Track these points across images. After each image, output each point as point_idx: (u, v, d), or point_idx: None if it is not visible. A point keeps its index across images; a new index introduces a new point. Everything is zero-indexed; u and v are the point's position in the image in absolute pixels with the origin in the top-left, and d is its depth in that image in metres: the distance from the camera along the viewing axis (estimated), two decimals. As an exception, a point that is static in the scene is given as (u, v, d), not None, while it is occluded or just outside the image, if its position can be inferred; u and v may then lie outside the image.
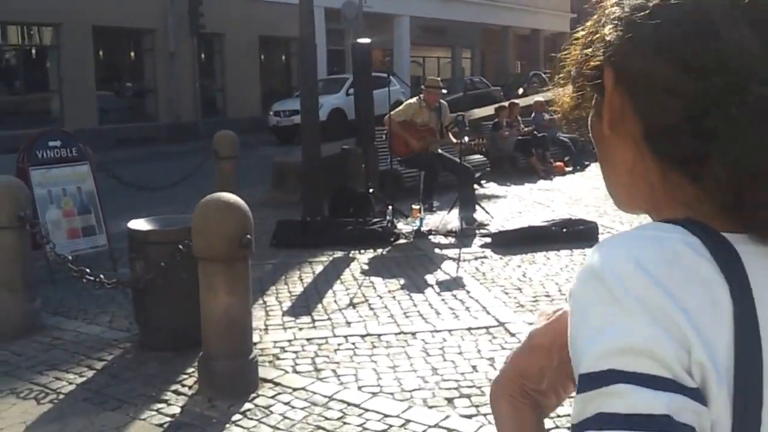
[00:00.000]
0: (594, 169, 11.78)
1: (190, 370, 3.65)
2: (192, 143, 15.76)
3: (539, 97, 13.76)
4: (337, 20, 23.29)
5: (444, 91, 7.28)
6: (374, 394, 3.40)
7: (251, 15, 19.57)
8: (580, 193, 9.40)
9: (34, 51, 18.13)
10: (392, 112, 7.14)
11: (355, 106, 7.33)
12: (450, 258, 5.93)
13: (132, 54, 19.92)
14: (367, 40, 7.27)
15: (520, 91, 24.09)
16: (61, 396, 3.40)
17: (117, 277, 4.01)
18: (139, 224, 3.88)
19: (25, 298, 4.07)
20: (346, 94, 17.78)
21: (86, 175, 5.39)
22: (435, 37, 31.13)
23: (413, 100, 7.31)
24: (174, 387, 3.51)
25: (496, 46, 35.96)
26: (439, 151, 7.36)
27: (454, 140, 7.18)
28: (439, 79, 7.66)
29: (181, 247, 3.53)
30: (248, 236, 3.36)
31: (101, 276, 3.85)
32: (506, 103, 12.30)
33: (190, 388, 3.51)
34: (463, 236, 6.60)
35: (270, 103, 21.93)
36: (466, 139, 7.16)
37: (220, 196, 3.41)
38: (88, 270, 3.83)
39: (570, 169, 11.64)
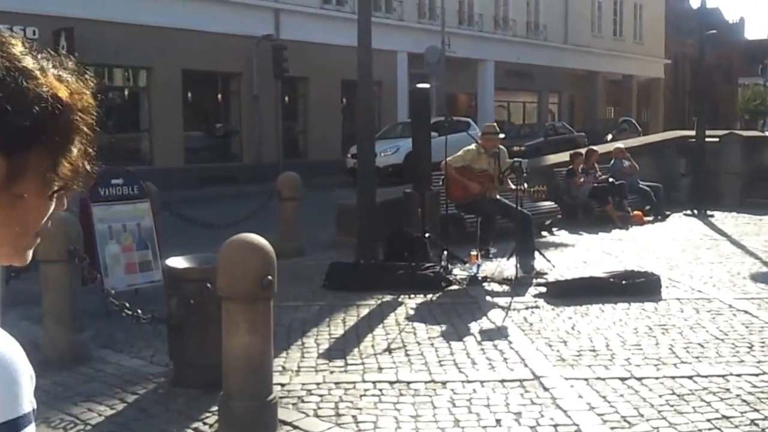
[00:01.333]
0: (676, 220, 11.27)
1: (214, 408, 3.69)
2: (273, 183, 16.25)
3: (619, 144, 13.34)
4: (420, 64, 23.74)
5: (502, 136, 7.20)
6: (390, 444, 3.33)
7: (334, 59, 20.21)
8: (655, 244, 8.97)
9: (126, 92, 19.37)
10: (449, 158, 7.12)
11: (413, 150, 7.35)
12: (500, 306, 5.77)
13: (219, 96, 20.99)
14: (426, 85, 7.34)
15: (609, 137, 23.52)
16: (89, 427, 3.52)
17: (154, 312, 4.15)
18: (176, 262, 4.03)
19: (72, 329, 4.28)
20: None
21: (146, 212, 5.67)
22: (520, 82, 30.98)
23: (472, 146, 7.27)
24: (195, 425, 3.57)
25: (585, 91, 35.35)
26: (497, 196, 7.25)
27: (512, 186, 7.05)
28: (495, 124, 7.59)
29: (209, 285, 3.62)
30: (269, 277, 3.40)
31: (139, 311, 4.00)
32: (582, 150, 11.99)
33: (210, 426, 3.55)
34: (519, 285, 6.42)
35: (350, 145, 22.45)
36: (525, 185, 7.01)
37: (244, 237, 3.48)
38: (127, 304, 3.99)
39: (650, 218, 11.15)
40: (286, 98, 21.85)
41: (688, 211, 11.90)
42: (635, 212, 11.09)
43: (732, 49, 52.08)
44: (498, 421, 3.55)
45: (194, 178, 17.49)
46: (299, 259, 7.83)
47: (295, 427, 3.54)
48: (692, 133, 14.43)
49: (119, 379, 4.16)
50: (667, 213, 11.53)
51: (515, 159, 6.92)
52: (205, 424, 3.57)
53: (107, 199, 5.45)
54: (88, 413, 3.67)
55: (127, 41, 16.63)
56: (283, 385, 4.07)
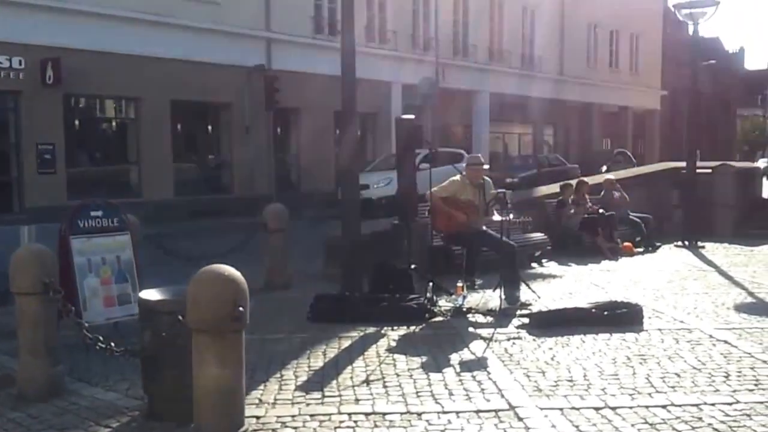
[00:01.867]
0: (665, 251, 11.28)
1: (187, 441, 3.68)
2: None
3: (609, 175, 13.43)
4: (414, 96, 23.93)
5: (486, 167, 7.26)
6: (358, 475, 3.31)
7: (326, 91, 20.24)
8: (643, 275, 8.98)
9: (115, 124, 19.18)
10: (434, 189, 7.18)
11: (398, 181, 7.41)
12: (481, 337, 5.76)
13: (209, 127, 20.87)
14: (411, 117, 7.43)
15: (604, 168, 23.66)
16: (58, 460, 3.51)
17: (130, 345, 4.15)
18: (149, 294, 4.05)
19: (47, 363, 4.28)
20: (417, 168, 18.05)
21: (126, 244, 5.69)
22: (515, 113, 31.13)
23: (457, 177, 7.33)
24: (165, 458, 3.55)
25: (581, 123, 35.57)
26: (483, 228, 7.29)
27: (498, 217, 7.09)
28: (480, 156, 7.67)
29: (180, 317, 3.64)
30: (240, 308, 3.43)
31: (112, 344, 4.01)
32: (572, 181, 12.06)
33: (181, 459, 3.54)
34: (503, 316, 6.41)
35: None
36: (511, 216, 7.06)
37: (214, 268, 3.52)
38: (100, 337, 4.00)
39: (640, 250, 11.17)
40: (279, 129, 21.85)
41: (679, 243, 11.92)
42: (625, 243, 11.11)
43: (731, 79, 52.43)
44: (469, 452, 3.54)
45: (184, 210, 17.40)
46: (286, 291, 7.84)
47: (266, 460, 3.52)
48: (683, 164, 14.53)
49: (93, 412, 4.14)
50: (658, 244, 11.55)
51: (499, 190, 6.97)
52: (175, 457, 3.56)
53: (86, 231, 5.47)
54: (58, 447, 3.66)
55: (114, 71, 16.55)
56: (258, 417, 4.06)
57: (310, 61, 20.42)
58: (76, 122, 17.69)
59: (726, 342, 5.47)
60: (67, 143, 16.64)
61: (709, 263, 10.11)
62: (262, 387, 4.61)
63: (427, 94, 22.35)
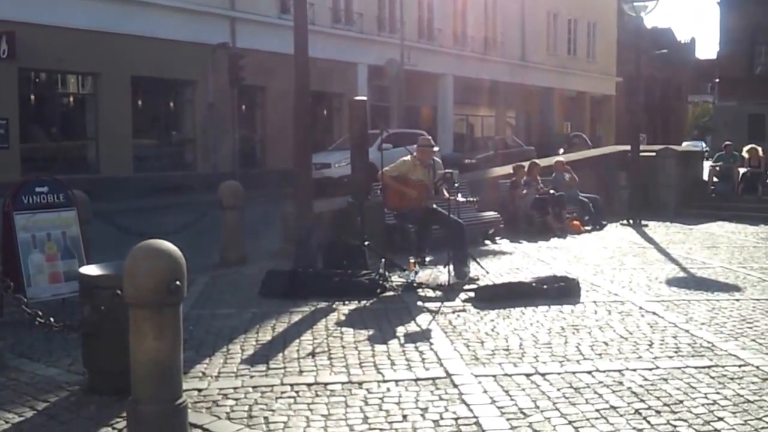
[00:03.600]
0: (610, 230, 11.64)
1: (124, 413, 3.74)
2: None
3: (560, 158, 13.75)
4: (380, 77, 23.97)
5: (436, 149, 7.41)
6: (295, 442, 3.42)
7: (291, 68, 20.18)
8: (587, 251, 9.28)
9: (72, 99, 18.74)
10: (386, 169, 7.30)
11: (351, 160, 7.50)
12: (429, 311, 5.92)
13: (171, 104, 20.63)
14: (363, 98, 7.52)
15: (561, 151, 24.06)
16: (-6, 434, 3.54)
17: (71, 321, 4.18)
18: (89, 269, 4.08)
19: (-12, 338, 4.27)
20: (378, 148, 17.93)
21: (72, 220, 5.65)
22: (479, 96, 31.49)
23: (407, 157, 7.46)
24: (104, 430, 3.61)
25: (541, 106, 36.13)
26: (433, 206, 7.44)
27: (446, 195, 7.25)
28: (430, 137, 7.82)
29: (119, 292, 3.68)
30: (177, 282, 3.48)
31: (51, 319, 4.02)
32: (525, 163, 12.31)
33: (119, 431, 3.60)
34: (451, 290, 6.58)
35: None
36: (460, 196, 7.22)
37: (150, 243, 3.56)
38: (39, 312, 4.02)
39: (588, 228, 11.51)
40: (243, 107, 21.67)
41: (625, 221, 12.32)
42: (574, 222, 11.43)
43: (683, 67, 53.63)
44: (404, 416, 3.68)
45: (144, 187, 17.18)
46: (241, 267, 7.89)
47: (205, 430, 3.60)
48: (628, 147, 14.94)
49: (32, 387, 4.16)
50: (605, 223, 11.91)
51: (446, 170, 7.12)
52: (114, 429, 3.61)
53: (31, 207, 5.42)
54: (-6, 421, 3.69)
55: (72, 47, 16.21)
56: (200, 390, 4.13)
57: (275, 41, 20.11)
58: (32, 97, 17.38)
59: (654, 313, 5.74)
60: (21, 118, 16.28)
61: (650, 240, 10.48)
62: (207, 361, 4.68)
63: (393, 76, 22.38)
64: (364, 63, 24.64)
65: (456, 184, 7.06)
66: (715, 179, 14.90)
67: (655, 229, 11.80)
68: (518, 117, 35.68)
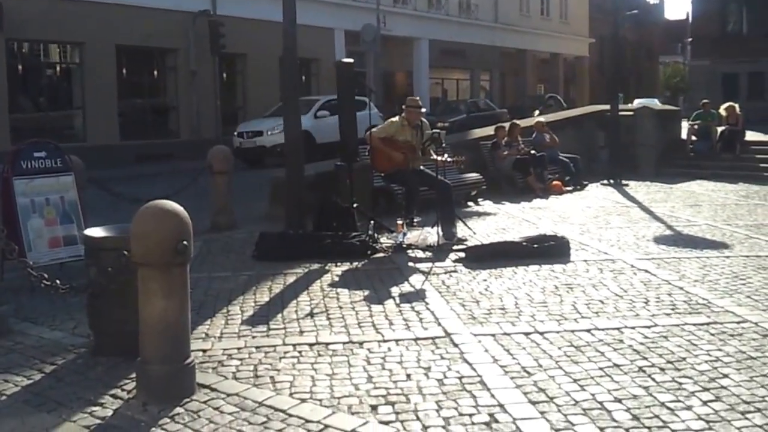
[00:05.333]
0: (592, 190, 11.81)
1: (133, 375, 3.75)
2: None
3: (540, 118, 13.82)
4: (357, 42, 23.72)
5: (424, 110, 7.39)
6: (303, 400, 3.47)
7: (272, 36, 19.86)
8: (571, 211, 9.42)
9: (58, 69, 18.79)
10: (374, 129, 7.28)
11: (339, 123, 7.46)
12: (420, 271, 6.00)
13: (155, 72, 20.52)
14: (350, 60, 7.42)
15: (536, 112, 24.16)
16: (4, 397, 3.53)
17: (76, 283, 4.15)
18: (94, 231, 4.05)
19: (-12, 302, 4.23)
20: (314, 116, 17.02)
21: (70, 185, 5.59)
22: (454, 60, 31.44)
23: (395, 118, 7.44)
24: (113, 391, 3.63)
25: (516, 69, 36.11)
26: (421, 167, 7.46)
27: (434, 156, 7.27)
28: (418, 98, 7.78)
29: (126, 252, 3.67)
30: (184, 242, 3.48)
31: (57, 281, 4.00)
32: (506, 124, 12.35)
33: (128, 392, 3.62)
34: (440, 251, 6.67)
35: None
36: (446, 156, 7.24)
37: (157, 203, 3.55)
38: (45, 275, 3.99)
39: (569, 188, 11.66)
40: (224, 75, 21.58)
41: (605, 181, 12.49)
42: (555, 182, 11.57)
43: (653, 28, 53.82)
44: (408, 375, 3.74)
45: (130, 154, 17.21)
46: (232, 232, 7.89)
47: (213, 390, 3.64)
48: (609, 107, 15.04)
49: (38, 350, 4.16)
50: (585, 183, 12.07)
51: (434, 130, 7.12)
52: (123, 390, 3.64)
53: (29, 172, 5.35)
54: (3, 384, 3.68)
55: (57, 16, 16.15)
56: (204, 350, 4.17)
57: (255, 7, 20.04)
58: (19, 67, 17.33)
59: (646, 271, 5.87)
60: (10, 89, 16.32)
61: (632, 200, 10.67)
62: (208, 322, 4.71)
63: (370, 40, 22.15)
64: (340, 28, 24.44)
65: (444, 144, 7.07)
66: (693, 138, 15.07)
67: (636, 188, 12.00)
68: (493, 80, 35.65)
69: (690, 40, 35.89)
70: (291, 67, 7.00)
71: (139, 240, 3.48)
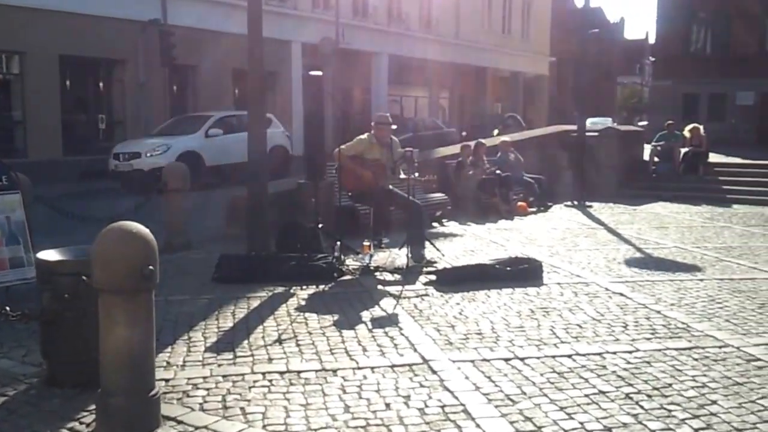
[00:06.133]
0: (556, 211, 11.86)
1: (92, 407, 3.50)
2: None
3: (506, 138, 13.88)
4: (315, 55, 23.55)
5: (394, 127, 7.26)
6: (278, 432, 3.27)
7: (224, 47, 19.62)
8: (537, 233, 9.40)
9: None
10: (342, 147, 7.11)
11: (305, 139, 7.27)
12: (390, 295, 5.83)
13: (101, 84, 19.81)
14: (318, 73, 7.25)
15: (495, 132, 24.37)
16: (-52, 432, 3.24)
17: (26, 310, 3.86)
18: (48, 254, 3.77)
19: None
20: (205, 135, 15.48)
21: (16, 204, 5.26)
22: (413, 76, 31.44)
23: (364, 136, 7.29)
24: (71, 424, 3.36)
25: (475, 87, 36.42)
26: (390, 186, 7.32)
27: (404, 176, 7.15)
28: (388, 115, 7.65)
29: (84, 278, 3.41)
30: (150, 267, 3.26)
31: (7, 308, 3.71)
32: (471, 143, 12.35)
33: (87, 426, 3.36)
34: (409, 273, 6.52)
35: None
36: (416, 175, 7.12)
37: (122, 225, 3.31)
38: (-9, 301, 3.70)
39: (534, 209, 11.68)
40: (175, 87, 21.00)
41: (569, 202, 12.58)
42: (520, 203, 11.58)
43: (613, 48, 55.24)
44: (387, 404, 3.57)
45: (74, 171, 16.46)
46: (187, 252, 7.59)
47: (180, 422, 3.41)
48: (574, 127, 15.25)
49: (-15, 381, 3.85)
50: (550, 204, 12.12)
51: (407, 149, 6.99)
52: (81, 423, 3.37)
53: (-29, 190, 5.00)
54: (-53, 419, 3.37)
55: None
56: (167, 380, 3.92)
57: (208, 17, 19.65)
58: None
59: (621, 294, 5.83)
60: None
61: (598, 221, 10.73)
62: (169, 349, 4.45)
63: (327, 54, 21.98)
64: (298, 41, 24.18)
65: (416, 164, 6.95)
66: (656, 159, 15.26)
67: (600, 209, 12.10)
68: (452, 97, 35.87)
69: (653, 59, 36.77)
70: (256, 79, 6.81)
71: (101, 264, 3.24)
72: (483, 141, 12.68)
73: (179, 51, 18.58)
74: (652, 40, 49.41)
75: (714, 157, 15.69)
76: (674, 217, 11.23)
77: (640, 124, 39.27)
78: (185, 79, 21.38)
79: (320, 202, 7.53)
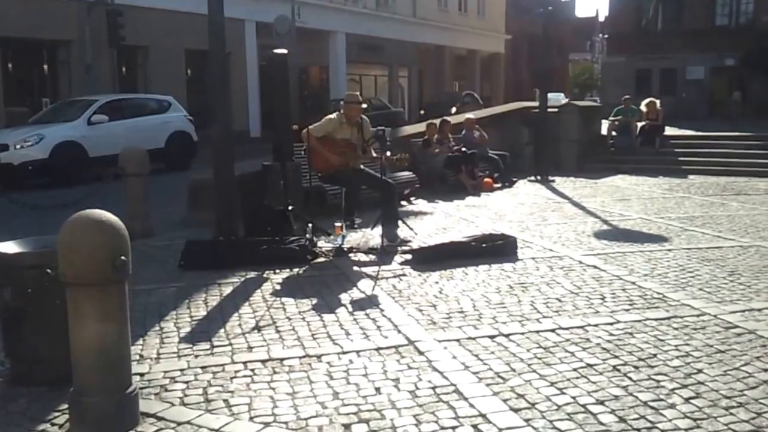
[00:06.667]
0: (521, 186, 11.89)
1: (63, 406, 3.30)
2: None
3: (470, 115, 13.83)
4: (269, 35, 23.08)
5: (364, 105, 7.09)
6: (267, 424, 3.13)
7: (176, 27, 19.09)
8: (506, 209, 9.40)
9: None
10: (311, 127, 6.92)
11: (275, 120, 7.04)
12: (368, 276, 5.71)
13: (45, 67, 19.05)
14: (284, 51, 7.02)
15: (453, 110, 24.35)
16: None
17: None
18: (7, 247, 3.53)
19: None
20: (88, 122, 13.79)
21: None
22: (372, 55, 31.18)
23: (333, 115, 7.11)
24: (42, 426, 3.17)
25: (433, 65, 36.35)
26: (361, 166, 7.18)
27: (375, 155, 7.01)
28: (357, 93, 7.47)
29: (49, 271, 3.20)
30: (122, 258, 3.06)
31: (-36, 305, 3.47)
32: (437, 121, 12.27)
33: (60, 427, 3.17)
34: (384, 254, 6.41)
35: (200, 118, 21.24)
36: (388, 153, 6.99)
37: (90, 213, 3.10)
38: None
39: (498, 185, 11.69)
40: (124, 68, 20.34)
41: (532, 177, 12.64)
42: (486, 179, 11.58)
43: (564, 25, 55.76)
44: (377, 389, 3.47)
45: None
46: (149, 239, 7.34)
47: (160, 419, 3.24)
48: (533, 104, 15.33)
49: (-55, 384, 3.61)
50: (514, 179, 12.15)
51: (379, 128, 6.85)
52: (53, 425, 3.18)
53: None
54: None
55: None
56: (142, 374, 3.74)
57: (158, -4, 19.09)
58: None
59: (595, 267, 5.83)
60: None
61: (562, 195, 10.79)
62: (141, 342, 4.26)
63: (283, 33, 21.51)
64: (252, 20, 23.62)
65: (388, 142, 6.82)
66: (614, 133, 15.50)
67: (563, 184, 12.18)
68: (411, 76, 35.72)
69: (606, 36, 37.21)
70: (219, 59, 6.55)
71: (68, 256, 3.03)
72: (448, 118, 12.62)
73: (128, 31, 17.98)
74: (602, 17, 50.07)
75: (669, 131, 15.96)
76: (634, 189, 11.37)
77: (590, 99, 39.81)
78: (134, 60, 20.74)
79: (288, 184, 7.34)
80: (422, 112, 28.54)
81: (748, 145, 14.61)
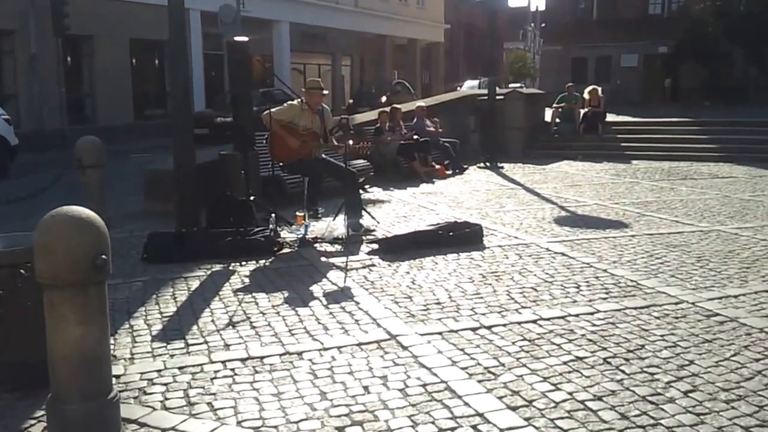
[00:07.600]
0: (471, 173, 12.00)
1: (39, 413, 3.12)
2: (57, 152, 14.56)
3: (421, 103, 13.84)
4: (213, 24, 22.47)
5: (326, 92, 6.96)
6: (256, 428, 3.03)
7: (121, 17, 18.47)
8: (461, 196, 9.45)
9: None
10: (272, 110, 6.71)
11: (233, 108, 6.83)
12: (337, 267, 5.63)
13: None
14: (244, 38, 6.81)
15: (383, 99, 24.28)
16: None
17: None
18: (-29, 246, 3.29)
19: None
20: None
21: None
22: (315, 44, 30.92)
23: (295, 101, 6.94)
24: (18, 436, 2.98)
25: (375, 54, 36.28)
26: (323, 155, 7.06)
27: (336, 144, 6.90)
28: (320, 80, 7.32)
29: (23, 271, 2.99)
30: (103, 256, 2.89)
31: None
32: (388, 108, 12.21)
33: (37, 436, 2.99)
34: (350, 243, 6.34)
35: (143, 108, 20.54)
36: (351, 142, 6.89)
37: (67, 210, 2.91)
38: None
39: (450, 172, 11.76)
40: (69, 58, 19.64)
41: (482, 164, 12.77)
42: (438, 167, 11.63)
43: (499, 14, 56.64)
44: (365, 388, 3.39)
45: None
46: (108, 232, 7.01)
47: (143, 424, 3.09)
48: (481, 92, 15.47)
49: None
50: (465, 166, 12.26)
51: (342, 117, 6.73)
52: (29, 434, 3.00)
53: None
54: None
55: None
56: (117, 377, 3.56)
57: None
58: None
59: (563, 254, 5.89)
60: None
61: (514, 182, 10.93)
62: (111, 341, 4.03)
63: (228, 22, 21.02)
64: (196, 9, 23.02)
65: (352, 131, 6.72)
66: (557, 120, 15.82)
67: (512, 170, 12.34)
68: (353, 65, 35.52)
69: (543, 26, 37.93)
70: (177, 45, 6.30)
71: (44, 255, 2.83)
72: (398, 106, 12.58)
73: (72, 20, 17.32)
74: (533, 7, 51.15)
75: (610, 117, 16.40)
76: (583, 175, 11.62)
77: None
78: (80, 50, 20.06)
79: (240, 174, 7.16)
80: (351, 101, 28.41)
81: (688, 130, 15.14)
